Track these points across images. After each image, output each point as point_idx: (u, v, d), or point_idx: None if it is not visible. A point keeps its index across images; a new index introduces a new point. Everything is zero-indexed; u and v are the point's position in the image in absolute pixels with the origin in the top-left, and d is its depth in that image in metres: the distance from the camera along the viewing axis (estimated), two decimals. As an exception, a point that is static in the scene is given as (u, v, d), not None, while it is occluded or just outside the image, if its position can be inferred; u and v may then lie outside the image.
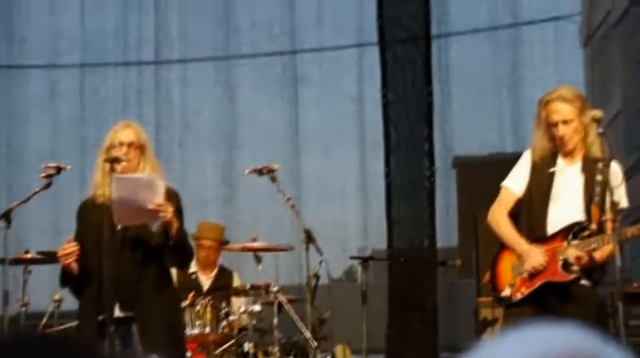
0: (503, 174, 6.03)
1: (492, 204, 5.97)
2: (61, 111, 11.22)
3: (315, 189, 10.99)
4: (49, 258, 7.46)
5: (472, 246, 9.53)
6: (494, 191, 6.04)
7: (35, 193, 6.04)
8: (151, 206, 5.44)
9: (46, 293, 8.17)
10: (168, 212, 5.49)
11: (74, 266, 5.58)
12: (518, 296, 5.76)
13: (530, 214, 5.83)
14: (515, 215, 5.94)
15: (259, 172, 7.51)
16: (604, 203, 5.66)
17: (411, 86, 10.41)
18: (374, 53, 10.72)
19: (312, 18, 11.14)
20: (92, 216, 5.66)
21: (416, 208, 10.34)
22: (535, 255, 5.71)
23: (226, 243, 8.69)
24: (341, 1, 11.03)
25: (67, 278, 5.69)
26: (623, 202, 5.64)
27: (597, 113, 5.55)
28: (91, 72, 11.23)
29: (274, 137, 11.06)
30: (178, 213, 5.66)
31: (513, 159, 6.09)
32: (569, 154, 5.79)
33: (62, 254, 5.53)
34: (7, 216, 6.08)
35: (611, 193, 5.46)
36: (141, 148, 5.74)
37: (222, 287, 8.34)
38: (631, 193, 5.82)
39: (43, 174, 5.92)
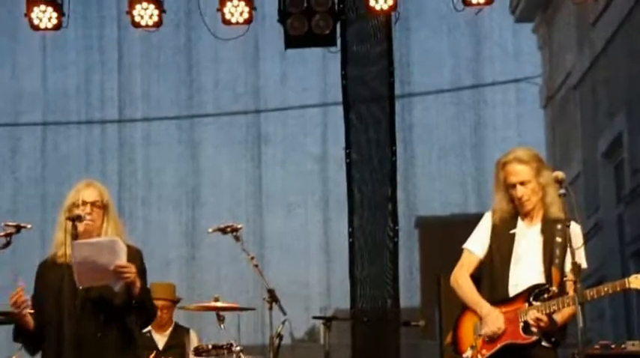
0: (466, 235, 6.07)
1: (455, 266, 6.00)
2: (22, 169, 11.18)
3: (278, 248, 10.99)
4: (7, 317, 7.38)
5: (435, 307, 9.52)
6: (457, 251, 6.07)
7: (-6, 252, 6.00)
8: (112, 268, 5.43)
9: (2, 355, 8.07)
10: (131, 272, 5.50)
11: (28, 319, 5.53)
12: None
13: (491, 276, 5.87)
14: (477, 277, 5.97)
15: (223, 231, 7.54)
16: (564, 264, 5.71)
17: (375, 146, 10.48)
18: (338, 112, 10.79)
19: (276, 77, 11.21)
20: (53, 276, 5.64)
21: (379, 268, 10.36)
22: (494, 319, 5.73)
23: (178, 300, 8.69)
24: (305, 61, 11.10)
25: (20, 332, 5.64)
26: (584, 263, 5.69)
27: (559, 174, 5.61)
28: (54, 130, 11.22)
29: (237, 196, 11.08)
30: (141, 272, 5.68)
31: (476, 219, 6.13)
32: (528, 215, 5.86)
33: (13, 301, 5.47)
34: (-35, 275, 6.02)
35: (573, 255, 5.51)
36: (104, 207, 5.76)
37: (178, 345, 8.32)
38: (590, 255, 5.86)
39: (2, 233, 5.89)
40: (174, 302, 8.70)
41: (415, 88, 11.00)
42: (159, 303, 8.20)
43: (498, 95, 11.28)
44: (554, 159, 14.98)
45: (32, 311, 5.60)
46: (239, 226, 7.52)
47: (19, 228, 5.92)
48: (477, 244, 5.97)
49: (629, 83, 13.36)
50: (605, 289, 5.64)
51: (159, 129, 11.25)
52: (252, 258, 7.54)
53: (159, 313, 8.12)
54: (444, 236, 10.57)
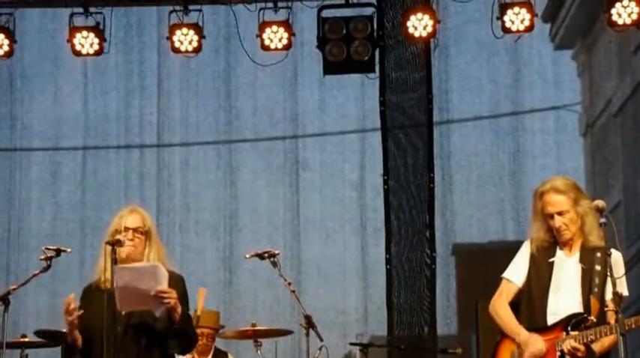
0: (504, 262, 6.06)
1: (493, 294, 5.99)
2: (62, 193, 11.26)
3: (315, 274, 10.99)
4: (46, 341, 7.43)
5: (472, 334, 9.46)
6: (494, 279, 6.05)
7: (34, 275, 6.07)
8: (153, 293, 5.46)
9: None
10: (172, 298, 5.52)
11: (77, 335, 5.58)
12: (517, 385, 5.74)
13: (530, 305, 5.85)
14: (516, 305, 5.94)
15: (260, 257, 7.55)
16: (604, 294, 5.67)
17: (413, 172, 10.47)
18: (376, 139, 10.79)
19: (315, 103, 11.24)
20: (96, 301, 5.68)
21: (416, 295, 10.33)
22: (535, 342, 5.72)
23: (222, 327, 8.72)
24: (343, 87, 11.13)
25: (69, 351, 5.67)
26: (625, 292, 5.65)
27: (600, 203, 5.59)
28: (93, 155, 11.30)
29: (275, 222, 11.09)
30: (182, 298, 5.70)
31: (514, 246, 6.12)
32: (567, 244, 5.84)
33: (65, 308, 5.51)
34: (4, 299, 6.08)
35: (614, 284, 5.47)
36: (146, 234, 5.81)
37: (219, 371, 8.34)
38: (631, 284, 5.81)
39: (42, 257, 5.95)
40: (218, 330, 8.73)
41: (454, 115, 11.00)
42: (204, 331, 8.23)
43: (537, 122, 11.25)
44: (594, 187, 14.91)
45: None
46: (276, 252, 7.52)
47: (59, 252, 5.99)
48: (516, 273, 5.97)
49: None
50: (645, 319, 5.60)
51: (197, 155, 11.31)
52: (290, 284, 7.54)
53: (203, 340, 8.14)
54: (481, 263, 10.54)
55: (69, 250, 6.07)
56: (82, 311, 5.58)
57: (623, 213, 14.70)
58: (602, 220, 5.56)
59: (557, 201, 5.83)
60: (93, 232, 10.37)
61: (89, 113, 11.28)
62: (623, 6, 9.64)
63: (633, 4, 9.61)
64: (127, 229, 5.75)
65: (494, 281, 6.08)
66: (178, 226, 11.02)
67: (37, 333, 7.78)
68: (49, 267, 6.00)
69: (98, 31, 10.30)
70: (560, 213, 5.83)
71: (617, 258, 5.64)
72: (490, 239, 11.17)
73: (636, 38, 13.94)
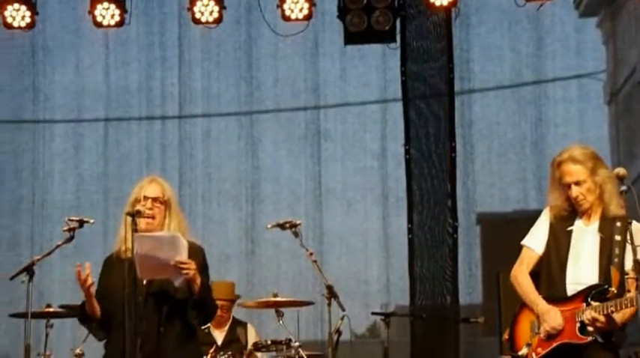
0: (527, 232, 6.03)
1: (515, 263, 5.97)
2: (85, 165, 11.31)
3: (337, 244, 11.00)
4: (71, 311, 7.49)
5: (495, 304, 9.46)
6: (517, 248, 6.04)
7: (57, 246, 6.11)
8: (173, 263, 5.48)
9: (67, 347, 8.18)
10: (191, 269, 5.55)
11: (95, 305, 5.61)
12: (534, 356, 5.73)
13: (549, 274, 5.84)
14: (537, 274, 5.93)
15: (282, 227, 7.55)
16: (623, 263, 5.65)
17: (435, 142, 10.46)
18: (397, 109, 10.77)
19: (336, 74, 11.22)
20: (117, 270, 5.72)
21: (439, 265, 10.34)
22: (553, 316, 5.69)
23: (237, 298, 8.74)
24: (364, 58, 11.10)
25: (87, 318, 5.71)
26: (646, 261, 5.61)
27: (621, 170, 5.55)
28: (115, 127, 11.33)
29: (297, 192, 11.10)
30: (203, 268, 5.73)
31: (536, 216, 6.10)
32: (586, 213, 5.81)
33: (80, 277, 5.54)
34: (29, 270, 6.13)
35: (634, 251, 5.44)
36: (166, 203, 5.81)
37: (236, 340, 8.37)
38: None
39: (66, 228, 5.98)
40: (234, 300, 8.75)
41: (475, 85, 10.96)
42: (219, 303, 8.26)
43: (560, 91, 11.19)
44: (618, 155, 14.82)
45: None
46: (298, 222, 7.52)
47: (82, 223, 6.02)
48: (536, 241, 5.94)
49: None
50: (665, 288, 5.58)
51: (219, 126, 11.32)
52: (312, 254, 7.54)
53: (219, 312, 8.17)
54: (505, 232, 10.50)
55: (92, 221, 6.10)
56: (93, 281, 5.62)
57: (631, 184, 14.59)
58: (623, 188, 5.53)
59: (575, 171, 5.78)
60: (115, 203, 10.40)
61: (111, 84, 11.30)
62: (646, -27, 9.54)
63: (657, -29, 9.52)
64: (146, 198, 5.76)
65: (517, 251, 6.06)
66: (200, 197, 11.05)
67: (62, 307, 7.84)
68: (72, 238, 6.03)
69: (119, 2, 10.31)
70: (577, 183, 5.79)
71: (638, 227, 5.61)
72: (514, 208, 11.15)
73: (662, 5, 13.79)
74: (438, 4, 9.97)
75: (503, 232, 10.57)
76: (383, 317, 8.12)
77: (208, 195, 11.10)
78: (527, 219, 6.25)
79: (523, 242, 5.99)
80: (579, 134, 10.90)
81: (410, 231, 10.48)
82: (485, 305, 10.96)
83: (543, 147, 10.81)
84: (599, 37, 14.96)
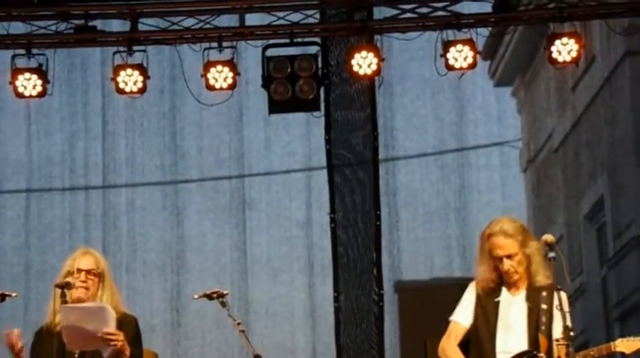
0: (450, 298, 6.06)
1: (440, 332, 5.99)
2: (6, 237, 11.15)
3: (263, 314, 10.97)
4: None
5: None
6: (440, 315, 6.06)
7: (-21, 321, 5.97)
8: (100, 334, 5.43)
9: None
10: (119, 340, 5.52)
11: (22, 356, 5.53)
12: None
13: (478, 345, 5.87)
14: (465, 346, 5.96)
15: (209, 297, 7.45)
16: (551, 331, 5.70)
17: (360, 210, 10.49)
18: (322, 177, 10.82)
19: (261, 142, 11.26)
20: (47, 344, 5.65)
21: (365, 333, 10.30)
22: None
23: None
24: (289, 126, 11.16)
25: None
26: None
27: (549, 237, 5.64)
28: (37, 198, 11.22)
29: (222, 262, 11.07)
30: (135, 339, 5.67)
31: (460, 283, 6.13)
32: (513, 285, 5.86)
33: (8, 340, 5.46)
34: (-50, 345, 5.97)
35: (564, 318, 5.50)
36: (99, 276, 5.80)
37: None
38: (574, 319, 5.85)
39: (-14, 302, 5.88)
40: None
41: (399, 152, 11.08)
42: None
43: (482, 159, 11.38)
44: (535, 222, 15.04)
45: None
46: (225, 292, 7.44)
47: (3, 297, 5.93)
48: (463, 314, 5.97)
49: (610, 146, 13.47)
50: (592, 353, 5.65)
51: (143, 195, 11.26)
52: (239, 324, 7.46)
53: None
54: (426, 300, 10.56)
55: (14, 294, 6.01)
56: (22, 345, 5.55)
57: (566, 248, 14.82)
58: (552, 254, 5.60)
59: (506, 245, 5.84)
60: (37, 276, 10.28)
61: (33, 155, 11.20)
62: (562, 44, 9.76)
63: (573, 41, 9.74)
64: (79, 271, 5.74)
65: (440, 318, 6.09)
66: (125, 268, 10.97)
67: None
68: (-5, 312, 5.92)
69: (41, 72, 10.19)
70: (508, 256, 5.85)
71: (563, 296, 5.68)
72: (436, 275, 11.22)
73: (575, 75, 14.14)
74: (361, 72, 10.04)
75: (425, 300, 10.64)
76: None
77: (133, 266, 11.02)
78: (450, 286, 6.28)
79: (451, 317, 6.02)
80: (501, 201, 11.08)
81: (336, 299, 10.45)
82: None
83: (466, 215, 10.95)
84: (514, 105, 15.26)
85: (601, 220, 14.15)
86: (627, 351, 5.75)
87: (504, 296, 5.87)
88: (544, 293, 5.74)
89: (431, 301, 10.47)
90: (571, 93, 14.83)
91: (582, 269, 14.54)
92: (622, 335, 5.77)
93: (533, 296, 5.80)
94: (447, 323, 6.02)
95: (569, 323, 5.52)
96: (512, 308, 5.83)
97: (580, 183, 14.54)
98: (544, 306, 5.74)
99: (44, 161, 11.24)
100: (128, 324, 5.73)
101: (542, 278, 5.79)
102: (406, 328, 11.22)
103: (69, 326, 5.48)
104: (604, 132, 13.59)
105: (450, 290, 6.16)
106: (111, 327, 5.54)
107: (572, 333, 5.50)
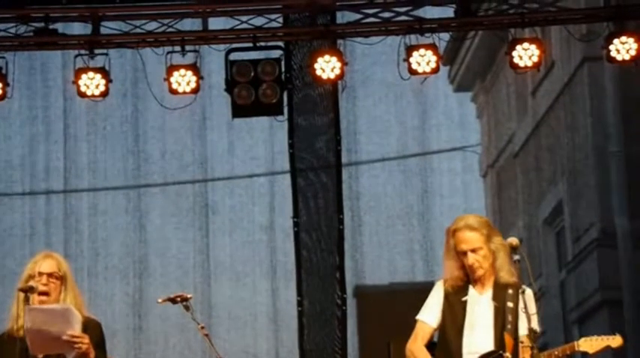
0: (411, 303, 6.07)
1: (403, 335, 6.01)
2: (-35, 243, 11.07)
3: (226, 318, 10.95)
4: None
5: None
6: (399, 320, 6.07)
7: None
8: (65, 337, 5.39)
9: None
10: (84, 343, 5.48)
11: None
12: None
13: (445, 344, 5.88)
14: (433, 345, 5.97)
15: (173, 301, 7.43)
16: (517, 330, 5.73)
17: (323, 214, 10.51)
18: (285, 182, 10.82)
19: (224, 146, 11.25)
20: (8, 349, 5.57)
21: (328, 337, 10.32)
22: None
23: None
24: (252, 131, 11.16)
25: None
26: (537, 327, 5.72)
27: (514, 240, 5.68)
28: (-3, 202, 11.13)
29: (185, 266, 11.05)
30: (100, 343, 5.64)
31: (422, 287, 6.15)
32: (479, 281, 5.89)
33: None
34: None
35: (529, 320, 5.54)
36: (62, 279, 5.76)
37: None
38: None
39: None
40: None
41: (362, 156, 11.11)
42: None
43: (444, 163, 11.43)
44: (495, 225, 15.10)
45: None
46: (189, 296, 7.43)
47: (-36, 302, 5.86)
48: (430, 314, 5.98)
49: (570, 151, 13.56)
50: (556, 353, 5.70)
51: (105, 200, 11.21)
52: (203, 328, 7.45)
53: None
54: (385, 305, 10.60)
55: (-26, 298, 5.95)
56: None
57: (526, 251, 14.90)
58: (517, 257, 5.64)
59: (471, 238, 5.87)
60: (-3, 281, 10.18)
61: (-9, 159, 11.13)
62: (524, 49, 9.84)
63: (534, 46, 9.83)
64: (41, 274, 5.69)
65: (399, 322, 6.11)
66: (87, 272, 10.91)
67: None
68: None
69: (1, 75, 10.12)
70: (473, 250, 5.87)
71: (529, 294, 5.72)
72: (400, 279, 11.26)
73: (535, 79, 14.23)
74: (324, 77, 10.05)
75: (384, 304, 10.67)
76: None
77: (95, 270, 10.96)
78: (412, 291, 6.30)
79: (417, 316, 6.03)
80: (464, 205, 11.14)
81: (299, 303, 10.47)
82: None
83: (429, 219, 10.99)
84: (473, 110, 15.33)
85: (560, 224, 14.25)
86: (590, 351, 5.81)
87: (471, 294, 5.88)
88: (510, 291, 5.77)
89: (390, 306, 10.52)
90: (531, 98, 14.93)
91: (541, 272, 14.63)
92: (581, 337, 5.83)
93: (500, 295, 5.82)
94: (406, 327, 6.04)
95: (534, 325, 5.56)
96: (479, 307, 5.85)
97: (539, 187, 14.64)
98: (510, 305, 5.77)
99: (4, 165, 11.16)
100: (93, 329, 5.68)
101: (506, 273, 5.82)
102: (366, 332, 11.25)
103: (33, 329, 5.42)
104: (564, 137, 13.69)
105: (409, 295, 6.18)
106: (76, 330, 5.49)
107: (536, 333, 5.55)
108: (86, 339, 5.51)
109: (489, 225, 5.98)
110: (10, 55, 10.11)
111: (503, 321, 5.79)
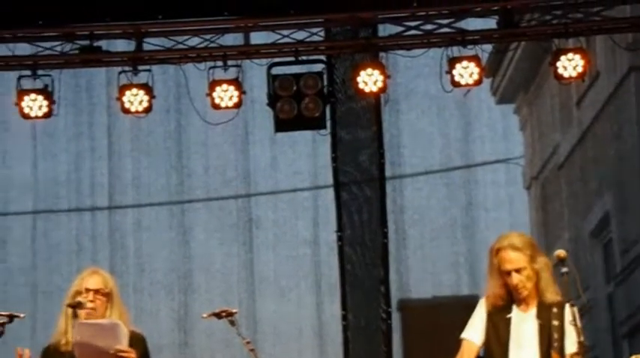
0: (452, 317, 6.03)
1: (447, 351, 5.97)
2: (13, 258, 11.15)
3: (271, 333, 10.95)
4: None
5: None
6: (443, 334, 6.04)
7: (-13, 343, 5.94)
8: (112, 351, 5.42)
9: None
10: (131, 357, 5.46)
11: None
12: None
13: (491, 364, 5.83)
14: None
15: (218, 316, 7.43)
16: (563, 347, 5.67)
17: (367, 228, 10.49)
18: (329, 196, 10.82)
19: (267, 161, 11.27)
20: (57, 360, 5.61)
21: (374, 351, 10.29)
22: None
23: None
24: (295, 145, 11.18)
25: None
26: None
27: (562, 252, 5.63)
28: (43, 218, 11.22)
29: (229, 281, 11.07)
30: (144, 356, 5.64)
31: (468, 301, 6.10)
32: (523, 301, 5.84)
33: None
34: (-42, 368, 5.95)
35: (579, 333, 5.49)
36: (107, 296, 5.81)
37: None
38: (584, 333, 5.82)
39: (-5, 324, 5.85)
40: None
41: (406, 169, 11.08)
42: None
43: (488, 175, 11.38)
44: (541, 238, 15.01)
45: None
46: (234, 311, 7.43)
47: (11, 318, 5.89)
48: (474, 332, 5.94)
49: (616, 162, 13.45)
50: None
51: (150, 215, 11.26)
52: (249, 343, 7.45)
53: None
54: (429, 319, 10.55)
55: (22, 315, 5.98)
56: None
57: (572, 264, 14.79)
58: (564, 270, 5.59)
59: (515, 259, 5.82)
60: (44, 296, 10.29)
61: (39, 176, 11.21)
62: (568, 59, 9.77)
63: (578, 56, 9.76)
64: (87, 290, 5.75)
65: (443, 337, 6.07)
66: (132, 288, 10.95)
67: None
68: (2, 333, 5.89)
69: (47, 93, 10.20)
70: (517, 270, 5.83)
71: (574, 311, 5.67)
72: (444, 293, 11.20)
73: (579, 90, 14.14)
74: (367, 90, 10.04)
75: (425, 319, 10.62)
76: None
77: (140, 286, 11.00)
78: (457, 305, 6.25)
79: (462, 335, 5.99)
80: (509, 218, 11.09)
81: (344, 317, 10.45)
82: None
83: (474, 232, 10.94)
84: (516, 122, 15.26)
85: (607, 236, 14.12)
86: (644, 368, 5.74)
87: (515, 313, 5.85)
88: (555, 310, 5.72)
89: (434, 319, 10.47)
90: (576, 109, 14.83)
91: (588, 285, 14.50)
92: (631, 352, 5.75)
93: (544, 313, 5.78)
94: (450, 340, 6.00)
95: (582, 338, 5.51)
96: (524, 325, 5.81)
97: (586, 199, 14.52)
98: (555, 323, 5.72)
99: (50, 182, 11.25)
100: (138, 343, 5.74)
101: (551, 294, 5.77)
102: (410, 346, 11.20)
103: (81, 343, 5.49)
104: (610, 148, 13.57)
105: (453, 308, 6.13)
106: (123, 344, 5.55)
107: (586, 347, 5.50)
108: (133, 354, 5.57)
109: (533, 244, 5.94)
110: (56, 72, 10.21)
111: (549, 339, 5.74)
